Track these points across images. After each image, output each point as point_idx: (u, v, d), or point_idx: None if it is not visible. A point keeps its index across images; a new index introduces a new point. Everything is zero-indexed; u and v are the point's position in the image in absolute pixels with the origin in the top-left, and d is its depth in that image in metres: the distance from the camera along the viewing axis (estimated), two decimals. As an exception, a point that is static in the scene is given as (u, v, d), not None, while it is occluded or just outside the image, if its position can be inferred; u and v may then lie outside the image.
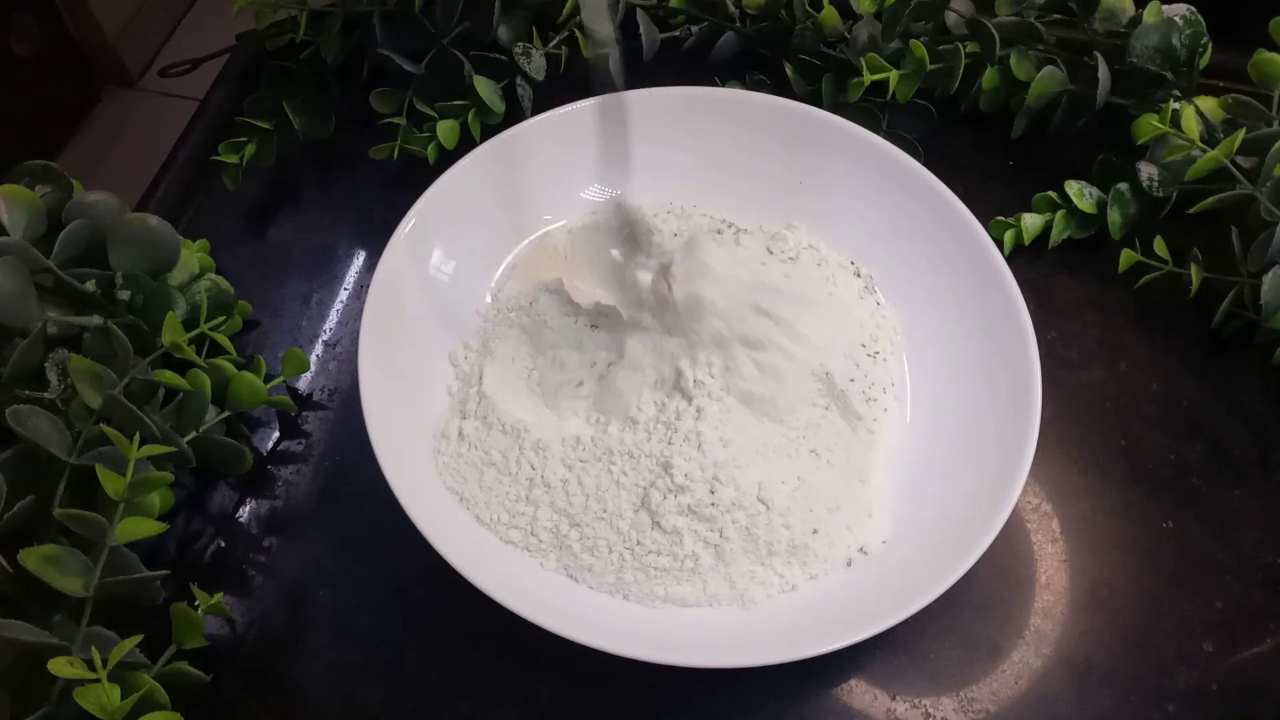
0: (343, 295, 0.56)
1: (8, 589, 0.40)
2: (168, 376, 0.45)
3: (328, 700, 0.44)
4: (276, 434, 0.51)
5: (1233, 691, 0.43)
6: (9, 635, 0.37)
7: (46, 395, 0.44)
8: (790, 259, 0.49)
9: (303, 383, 0.53)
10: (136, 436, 0.41)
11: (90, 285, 0.47)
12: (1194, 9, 0.54)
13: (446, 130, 0.57)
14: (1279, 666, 0.43)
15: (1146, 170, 0.53)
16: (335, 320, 0.55)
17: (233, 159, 0.57)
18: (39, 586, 0.39)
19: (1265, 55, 0.51)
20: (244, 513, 0.49)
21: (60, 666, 0.36)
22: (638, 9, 0.59)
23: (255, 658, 0.45)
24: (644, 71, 0.59)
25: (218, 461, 0.48)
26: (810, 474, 0.45)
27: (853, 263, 0.52)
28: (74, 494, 0.42)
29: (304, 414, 0.52)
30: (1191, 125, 0.50)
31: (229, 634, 0.46)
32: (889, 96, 0.56)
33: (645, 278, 0.47)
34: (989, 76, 0.56)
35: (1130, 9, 0.55)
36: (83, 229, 0.47)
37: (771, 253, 0.48)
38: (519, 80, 0.59)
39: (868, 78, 0.55)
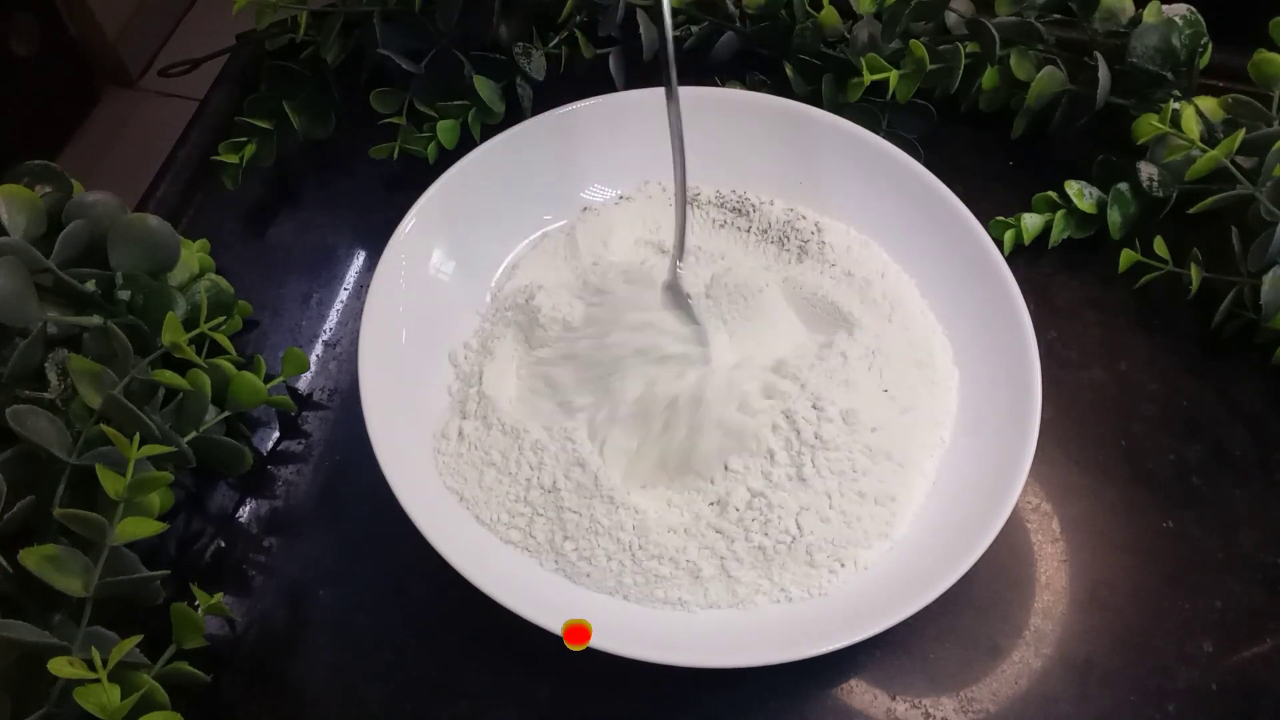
0: (343, 295, 0.56)
1: (8, 589, 0.40)
2: (168, 376, 0.45)
3: (328, 700, 0.44)
4: (276, 434, 0.51)
5: (1233, 691, 0.43)
6: (9, 635, 0.37)
7: (46, 395, 0.44)
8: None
9: (303, 383, 0.53)
10: (136, 436, 0.41)
11: (90, 285, 0.47)
12: (1194, 9, 0.54)
13: (446, 130, 0.57)
14: (1279, 666, 0.43)
15: (1146, 170, 0.53)
16: (335, 320, 0.55)
17: (233, 159, 0.57)
18: (39, 586, 0.38)
19: (1265, 55, 0.51)
20: (244, 513, 0.49)
21: (60, 666, 0.36)
22: (638, 9, 0.59)
23: (255, 658, 0.45)
24: (644, 71, 0.59)
25: (218, 461, 0.48)
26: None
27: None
28: (74, 494, 0.42)
29: (304, 414, 0.52)
30: (1191, 125, 0.50)
31: (229, 634, 0.45)
32: (889, 96, 0.56)
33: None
34: (989, 76, 0.56)
35: (1130, 9, 0.55)
36: (83, 229, 0.47)
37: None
38: (519, 80, 0.59)
39: (868, 78, 0.55)
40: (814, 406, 0.44)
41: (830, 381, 0.45)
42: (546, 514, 0.44)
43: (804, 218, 0.52)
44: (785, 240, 0.52)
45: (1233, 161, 0.49)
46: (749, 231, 0.53)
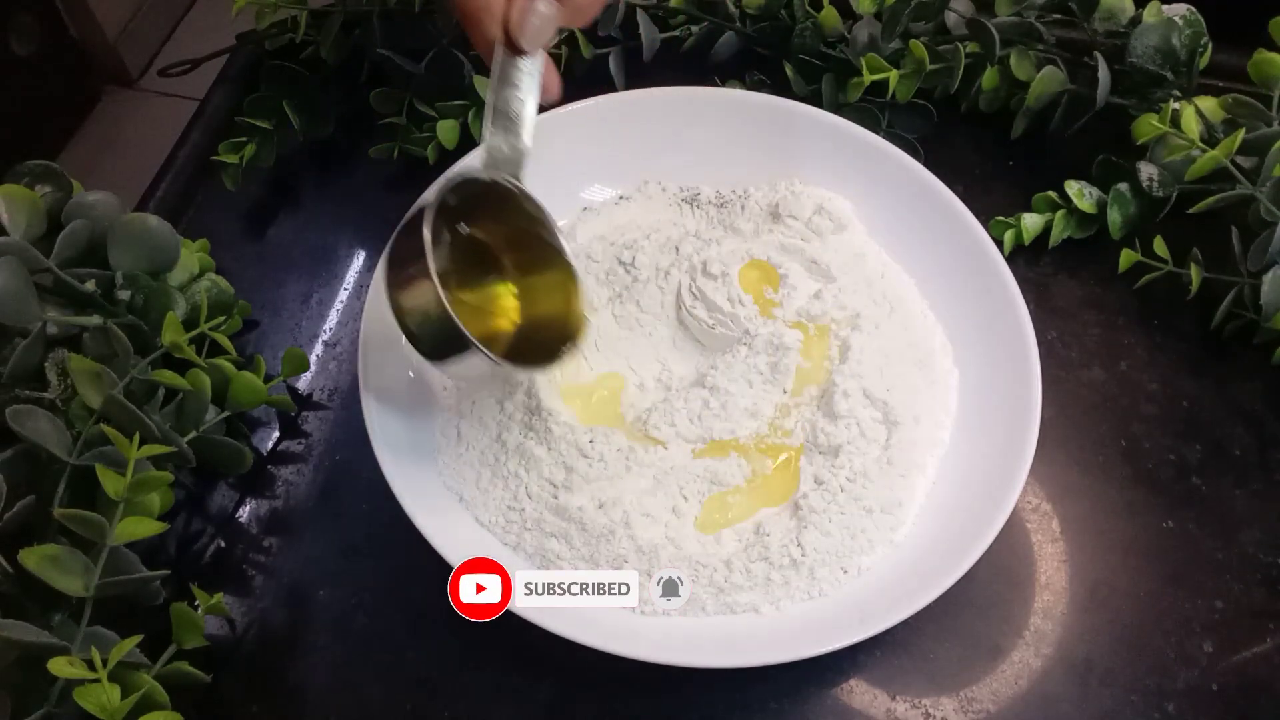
0: (343, 295, 0.56)
1: (8, 589, 0.40)
2: (168, 376, 0.45)
3: (328, 700, 0.44)
4: (276, 434, 0.51)
5: (1233, 691, 0.43)
6: (9, 635, 0.37)
7: (46, 395, 0.44)
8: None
9: (303, 383, 0.53)
10: (136, 436, 0.41)
11: (90, 285, 0.47)
12: (1194, 9, 0.54)
13: (446, 130, 0.57)
14: (1279, 666, 0.43)
15: (1146, 170, 0.53)
16: (335, 320, 0.55)
17: (233, 159, 0.57)
18: (39, 586, 0.39)
19: (1265, 55, 0.51)
20: (244, 513, 0.49)
21: (60, 666, 0.36)
22: (638, 9, 0.59)
23: (255, 658, 0.45)
24: (644, 71, 0.59)
25: (218, 461, 0.48)
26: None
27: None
28: (74, 494, 0.42)
29: (304, 414, 0.52)
30: (1191, 125, 0.50)
31: (229, 634, 0.46)
32: (889, 96, 0.56)
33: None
34: (989, 76, 0.56)
35: (1130, 9, 0.55)
36: (83, 229, 0.47)
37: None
38: (519, 80, 0.59)
39: (868, 78, 0.55)
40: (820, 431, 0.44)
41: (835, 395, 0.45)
42: (538, 520, 0.44)
43: (796, 218, 0.52)
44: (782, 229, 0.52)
45: (1233, 161, 0.49)
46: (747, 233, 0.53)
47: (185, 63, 0.64)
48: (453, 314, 0.37)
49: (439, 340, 0.39)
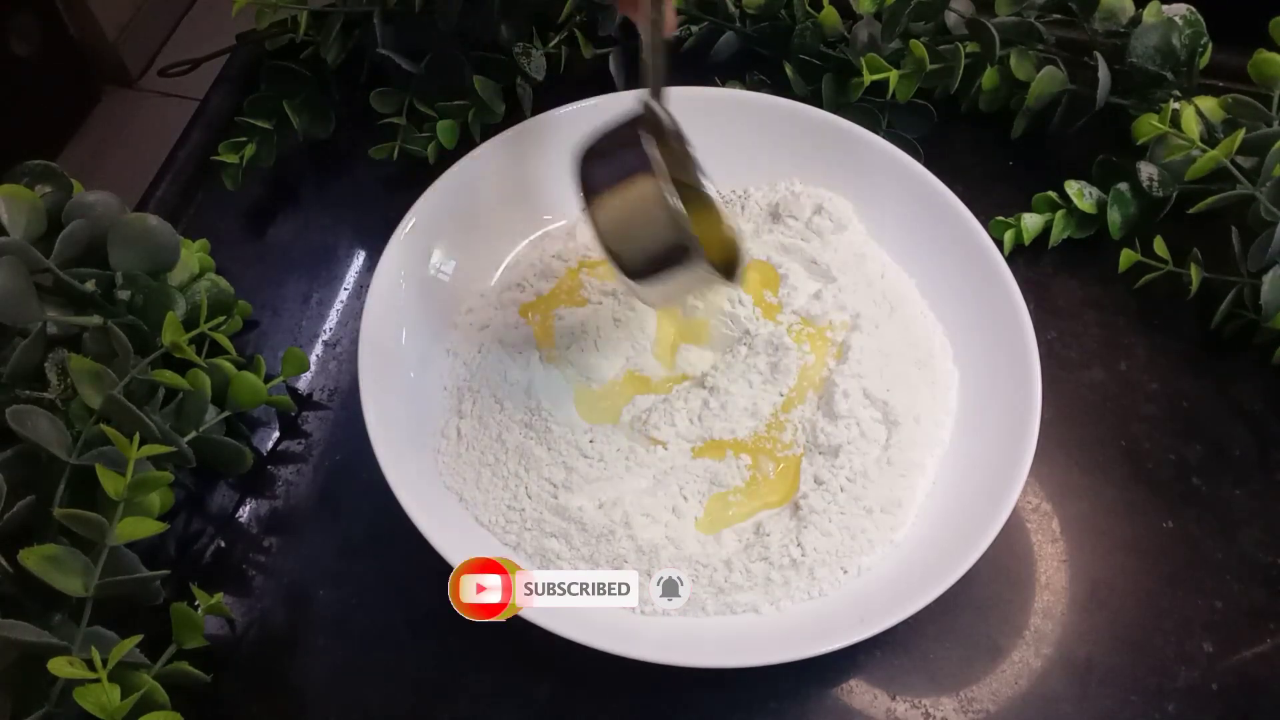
0: (343, 295, 0.56)
1: (8, 589, 0.40)
2: (168, 376, 0.45)
3: (328, 700, 0.44)
4: (276, 434, 0.51)
5: (1233, 691, 0.43)
6: (9, 635, 0.37)
7: (46, 395, 0.44)
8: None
9: (303, 383, 0.53)
10: (136, 436, 0.41)
11: (90, 285, 0.47)
12: (1194, 9, 0.54)
13: (446, 130, 0.57)
14: (1279, 666, 0.43)
15: (1146, 170, 0.53)
16: (335, 320, 0.55)
17: (233, 159, 0.57)
18: (39, 586, 0.39)
19: (1265, 55, 0.51)
20: (244, 513, 0.49)
21: (60, 666, 0.36)
22: (638, 9, 0.59)
23: (255, 658, 0.45)
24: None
25: (218, 461, 0.48)
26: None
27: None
28: (74, 494, 0.42)
29: (304, 414, 0.52)
30: (1191, 125, 0.50)
31: (229, 634, 0.45)
32: (889, 96, 0.56)
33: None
34: (989, 76, 0.56)
35: (1130, 9, 0.55)
36: (83, 229, 0.47)
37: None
38: (519, 80, 0.59)
39: (868, 78, 0.55)
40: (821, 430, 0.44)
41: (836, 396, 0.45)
42: (538, 520, 0.44)
43: (797, 219, 0.52)
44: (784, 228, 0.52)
45: (1233, 161, 0.49)
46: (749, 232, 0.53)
47: (185, 63, 0.64)
48: (682, 215, 0.37)
49: (654, 253, 0.39)
